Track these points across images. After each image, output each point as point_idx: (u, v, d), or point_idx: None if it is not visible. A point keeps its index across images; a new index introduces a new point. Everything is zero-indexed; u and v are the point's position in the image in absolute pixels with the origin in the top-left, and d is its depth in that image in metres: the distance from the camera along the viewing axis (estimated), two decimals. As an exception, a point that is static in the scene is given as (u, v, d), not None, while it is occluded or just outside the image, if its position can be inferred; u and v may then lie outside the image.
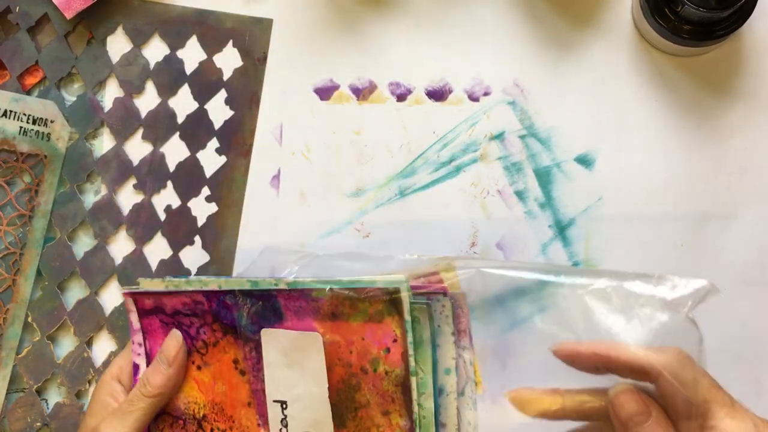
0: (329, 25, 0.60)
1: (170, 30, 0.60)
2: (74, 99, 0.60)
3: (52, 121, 0.59)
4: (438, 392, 0.48)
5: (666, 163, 0.58)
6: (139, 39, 0.60)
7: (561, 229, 0.58)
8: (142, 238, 0.59)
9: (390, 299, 0.46)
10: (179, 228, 0.59)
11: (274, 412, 0.49)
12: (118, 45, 0.60)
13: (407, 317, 0.46)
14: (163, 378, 0.50)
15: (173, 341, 0.50)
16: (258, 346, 0.49)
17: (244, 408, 0.50)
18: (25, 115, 0.59)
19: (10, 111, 0.59)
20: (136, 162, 0.60)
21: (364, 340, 0.47)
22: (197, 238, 0.59)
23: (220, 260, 0.59)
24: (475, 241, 0.59)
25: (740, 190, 0.58)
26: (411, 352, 0.46)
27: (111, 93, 0.60)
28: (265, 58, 0.60)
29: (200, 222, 0.59)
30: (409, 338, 0.46)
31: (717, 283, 0.58)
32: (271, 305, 0.48)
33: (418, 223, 0.59)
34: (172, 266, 0.59)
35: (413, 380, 0.47)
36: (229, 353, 0.50)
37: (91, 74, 0.60)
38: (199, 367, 0.50)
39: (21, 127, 0.59)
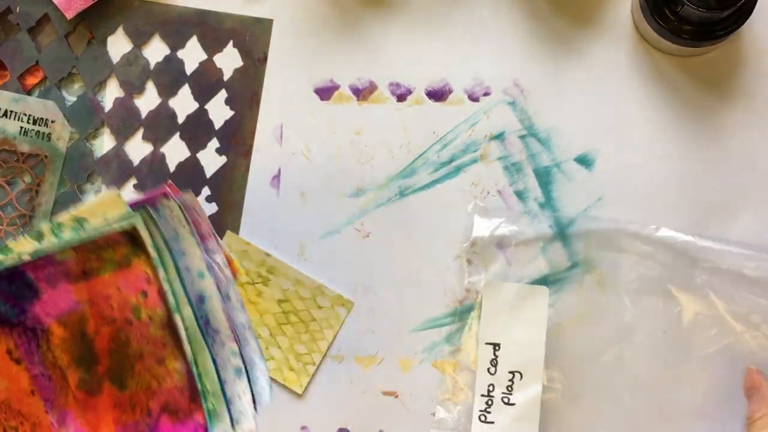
0: (329, 26, 0.60)
1: (170, 30, 0.60)
2: (75, 99, 0.60)
3: (52, 122, 0.59)
4: (199, 300, 0.45)
5: (666, 163, 0.58)
6: (139, 39, 0.60)
7: (561, 229, 0.58)
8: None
9: (130, 238, 0.43)
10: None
11: (485, 352, 0.56)
12: (118, 45, 0.60)
13: (153, 252, 0.43)
14: None
15: None
16: (26, 330, 0.46)
17: (29, 398, 0.47)
18: (25, 115, 0.59)
19: (11, 111, 0.59)
20: (136, 162, 0.60)
21: (120, 290, 0.45)
22: (197, 238, 0.59)
23: (220, 260, 0.59)
24: (475, 241, 0.59)
25: (740, 190, 0.58)
26: (167, 287, 0.44)
27: (111, 93, 0.60)
28: (265, 59, 0.60)
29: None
30: (162, 274, 0.43)
31: (717, 283, 0.58)
32: (23, 282, 0.45)
33: (418, 223, 0.59)
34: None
35: (177, 317, 0.44)
36: (1, 345, 0.47)
37: (91, 74, 0.60)
38: None
39: (21, 128, 0.59)
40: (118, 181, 0.60)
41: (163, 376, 0.45)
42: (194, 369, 0.44)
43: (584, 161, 0.58)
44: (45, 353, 0.46)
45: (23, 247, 0.44)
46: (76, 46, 0.60)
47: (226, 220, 0.59)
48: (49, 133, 0.59)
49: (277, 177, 0.59)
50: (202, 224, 0.46)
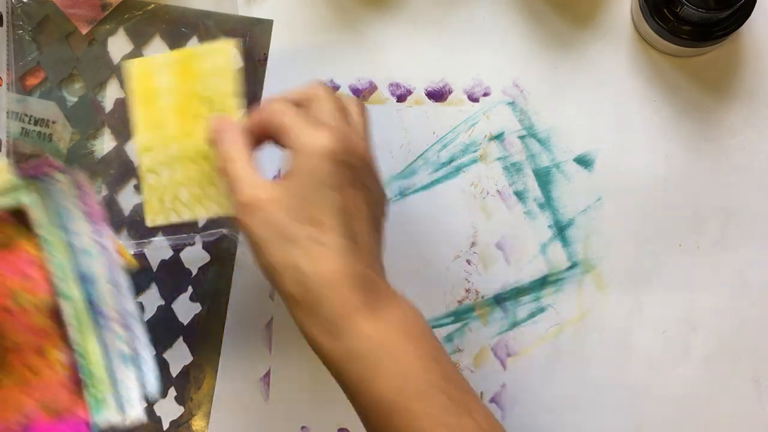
0: (329, 26, 0.60)
1: (171, 31, 0.60)
2: (75, 100, 0.60)
3: (53, 122, 0.60)
4: (88, 281, 0.43)
5: (665, 163, 0.58)
6: (140, 40, 0.60)
7: (560, 229, 0.58)
8: (142, 238, 0.59)
9: (16, 215, 0.40)
10: (179, 229, 0.59)
11: None
12: (119, 46, 0.60)
13: (41, 232, 0.40)
14: None
15: None
16: None
17: None
18: (26, 115, 0.59)
19: (12, 112, 0.59)
20: (137, 162, 0.60)
21: None
22: (198, 238, 0.59)
23: (221, 258, 0.59)
24: (475, 241, 0.59)
25: (740, 190, 0.58)
26: (54, 270, 0.41)
27: (112, 94, 0.60)
28: (265, 59, 0.60)
29: (200, 222, 0.59)
30: (49, 255, 0.41)
31: (716, 284, 0.58)
32: None
33: (418, 224, 0.59)
34: (173, 265, 0.59)
35: (63, 301, 0.41)
36: None
37: (92, 75, 0.60)
38: None
39: (23, 128, 0.59)
40: (119, 181, 0.60)
41: (41, 369, 0.42)
42: (80, 356, 0.42)
43: (584, 161, 0.59)
44: None
45: None
46: (76, 47, 0.60)
47: (227, 219, 0.59)
48: (50, 134, 0.60)
49: (277, 177, 0.59)
50: (90, 204, 0.44)
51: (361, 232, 0.45)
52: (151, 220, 0.51)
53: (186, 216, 0.51)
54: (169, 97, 0.51)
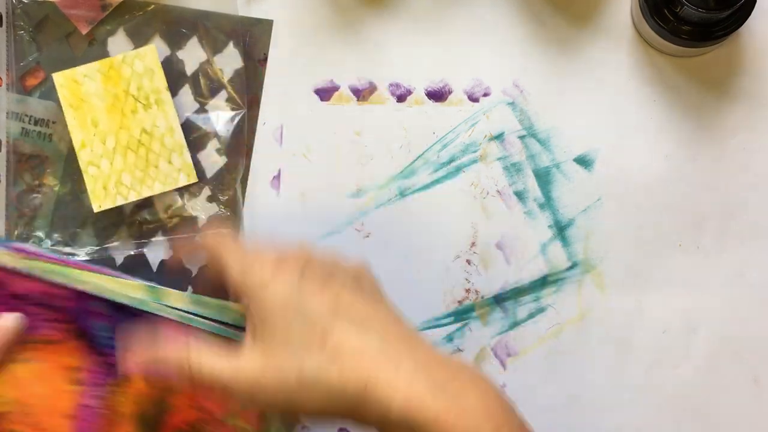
0: (329, 26, 0.60)
1: (171, 31, 0.60)
2: (75, 100, 0.60)
3: (53, 122, 0.60)
4: None
5: (665, 163, 0.58)
6: (140, 40, 0.60)
7: (560, 229, 0.58)
8: (142, 238, 0.59)
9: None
10: (179, 229, 0.59)
11: None
12: (119, 46, 0.60)
13: None
14: None
15: (8, 326, 0.47)
16: (112, 366, 0.46)
17: (61, 419, 0.46)
18: (26, 116, 0.59)
19: (12, 112, 0.59)
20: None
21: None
22: (198, 239, 0.59)
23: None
24: (475, 241, 0.59)
25: (740, 190, 0.58)
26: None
27: (112, 94, 0.60)
28: (265, 59, 0.60)
29: (200, 223, 0.59)
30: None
31: (716, 284, 0.58)
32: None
33: (418, 224, 0.59)
34: (173, 265, 0.59)
35: None
36: (68, 358, 0.47)
37: (92, 75, 0.60)
38: (25, 360, 0.47)
39: (23, 128, 0.59)
40: (119, 182, 0.60)
41: None
42: None
43: (584, 162, 0.59)
44: (113, 392, 0.46)
45: (176, 301, 0.47)
46: (76, 47, 0.60)
47: (227, 219, 0.59)
48: (50, 134, 0.60)
49: (277, 177, 0.59)
50: None
51: (369, 317, 0.43)
52: (98, 205, 0.58)
53: (132, 197, 0.58)
54: (99, 100, 0.58)
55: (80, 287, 0.47)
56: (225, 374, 0.42)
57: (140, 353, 0.44)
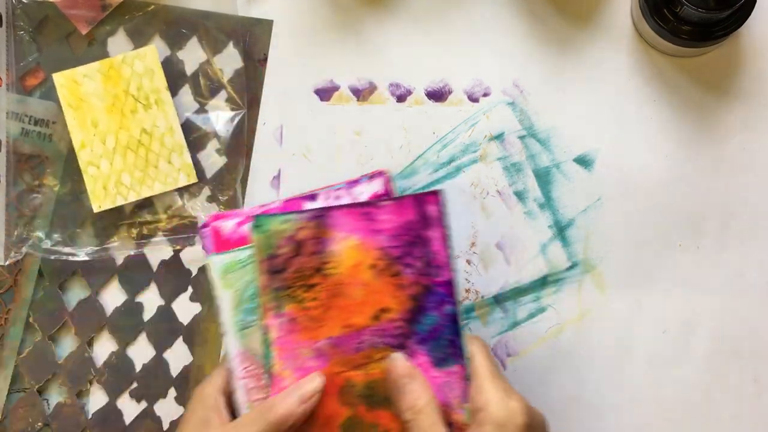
0: (329, 26, 0.60)
1: (170, 31, 0.60)
2: (75, 100, 0.60)
3: (53, 122, 0.60)
4: None
5: (665, 163, 0.58)
6: (139, 40, 0.60)
7: (560, 229, 0.58)
8: (143, 238, 0.59)
9: None
10: (179, 230, 0.59)
11: None
12: (119, 46, 0.60)
13: None
14: (288, 413, 0.47)
15: (313, 384, 0.49)
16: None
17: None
18: (26, 116, 0.59)
19: (12, 112, 0.59)
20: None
21: None
22: (198, 238, 0.59)
23: (221, 260, 0.59)
24: (475, 241, 0.59)
25: (739, 190, 0.58)
26: None
27: (112, 94, 0.60)
28: (265, 59, 0.60)
29: (201, 223, 0.59)
30: None
31: (716, 284, 0.58)
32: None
33: (418, 224, 0.59)
34: (173, 265, 0.60)
35: None
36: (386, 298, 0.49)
37: (92, 75, 0.60)
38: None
39: (23, 128, 0.59)
40: (119, 182, 0.60)
41: None
42: None
43: (584, 161, 0.59)
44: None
45: None
46: (76, 47, 0.60)
47: (227, 220, 0.59)
48: (50, 134, 0.60)
49: (277, 177, 0.59)
50: None
51: None
52: (98, 206, 0.58)
53: (132, 197, 0.58)
54: (99, 100, 0.58)
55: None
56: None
57: None
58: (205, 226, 0.51)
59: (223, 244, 0.51)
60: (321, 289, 0.49)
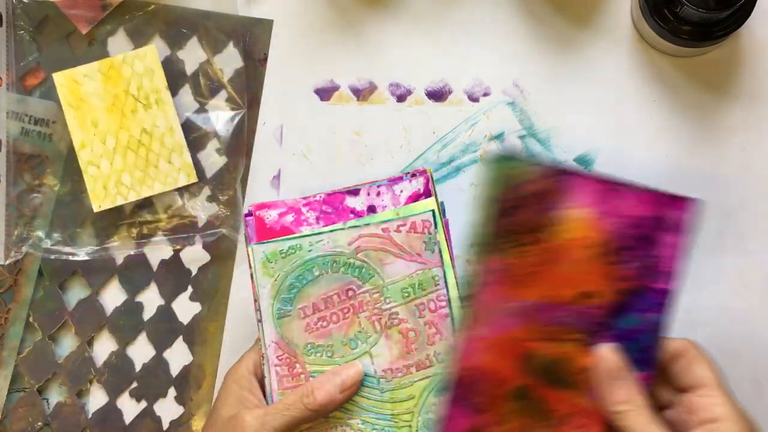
0: (329, 26, 0.60)
1: (171, 31, 0.60)
2: (75, 100, 0.60)
3: (53, 122, 0.60)
4: None
5: (666, 163, 0.58)
6: (139, 40, 0.60)
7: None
8: (143, 238, 0.59)
9: None
10: (179, 230, 0.59)
11: None
12: (119, 46, 0.60)
13: None
14: (329, 400, 0.49)
15: (354, 373, 0.50)
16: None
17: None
18: (26, 115, 0.59)
19: (12, 112, 0.59)
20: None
21: None
22: (198, 238, 0.59)
23: (221, 258, 0.59)
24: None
25: (740, 190, 0.58)
26: None
27: (112, 94, 0.60)
28: (265, 59, 0.60)
29: (201, 223, 0.59)
30: None
31: (717, 284, 0.58)
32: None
33: (417, 224, 0.59)
34: (173, 265, 0.60)
35: None
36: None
37: (92, 75, 0.60)
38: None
39: (23, 128, 0.59)
40: (119, 182, 0.60)
41: None
42: None
43: (584, 161, 0.59)
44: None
45: None
46: (76, 47, 0.60)
47: (226, 219, 0.59)
48: (50, 134, 0.60)
49: (277, 177, 0.59)
50: None
51: None
52: (98, 205, 0.58)
53: (132, 197, 0.58)
54: (99, 100, 0.58)
55: None
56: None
57: None
58: (249, 214, 0.53)
59: (266, 233, 0.52)
60: (534, 249, 0.47)
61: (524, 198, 0.47)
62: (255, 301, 0.52)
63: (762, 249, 0.58)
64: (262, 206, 0.53)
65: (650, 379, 0.47)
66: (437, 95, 0.60)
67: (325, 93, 0.60)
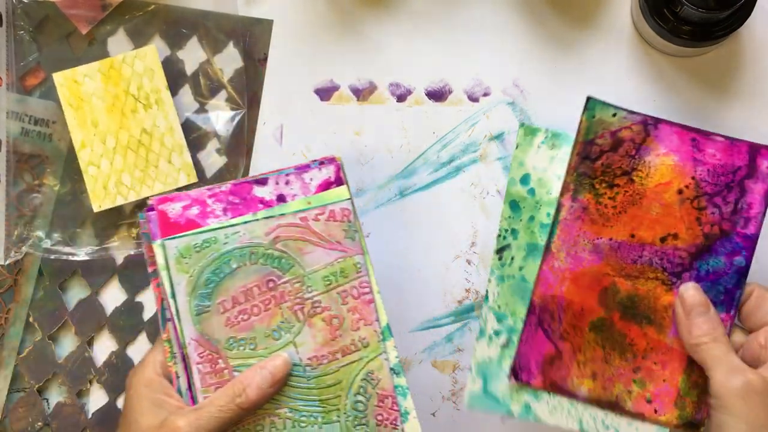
0: (329, 26, 0.60)
1: (171, 31, 0.60)
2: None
3: (53, 122, 0.60)
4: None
5: (665, 164, 0.58)
6: (139, 40, 0.60)
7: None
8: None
9: None
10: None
11: None
12: (119, 46, 0.60)
13: None
14: (260, 397, 0.48)
15: (281, 364, 0.49)
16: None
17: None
18: (26, 115, 0.59)
19: (12, 112, 0.59)
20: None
21: None
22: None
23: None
24: (475, 241, 0.59)
25: (740, 190, 0.58)
26: None
27: (112, 94, 0.60)
28: (265, 59, 0.60)
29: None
30: None
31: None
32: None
33: (417, 224, 0.59)
34: (173, 266, 0.60)
35: None
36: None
37: (92, 75, 0.60)
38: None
39: (23, 128, 0.59)
40: (119, 182, 0.60)
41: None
42: None
43: (584, 161, 0.58)
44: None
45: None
46: (76, 47, 0.60)
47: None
48: (50, 134, 0.60)
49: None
50: None
51: None
52: (98, 205, 0.58)
53: (132, 197, 0.58)
54: (99, 100, 0.58)
55: None
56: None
57: None
58: (150, 209, 0.51)
59: (170, 227, 0.50)
60: (622, 191, 0.51)
61: (616, 143, 0.51)
62: (161, 299, 0.50)
63: (762, 249, 0.58)
64: (165, 200, 0.51)
65: (730, 320, 0.50)
66: (437, 95, 0.60)
67: (325, 93, 0.60)
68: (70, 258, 0.59)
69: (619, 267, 0.51)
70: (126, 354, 0.60)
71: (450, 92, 0.59)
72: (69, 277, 0.60)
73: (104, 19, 0.60)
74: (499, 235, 0.52)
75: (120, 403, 0.59)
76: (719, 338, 0.48)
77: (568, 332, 0.50)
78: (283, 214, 0.51)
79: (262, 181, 0.52)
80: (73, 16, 0.60)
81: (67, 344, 0.60)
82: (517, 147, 0.53)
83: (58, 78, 0.58)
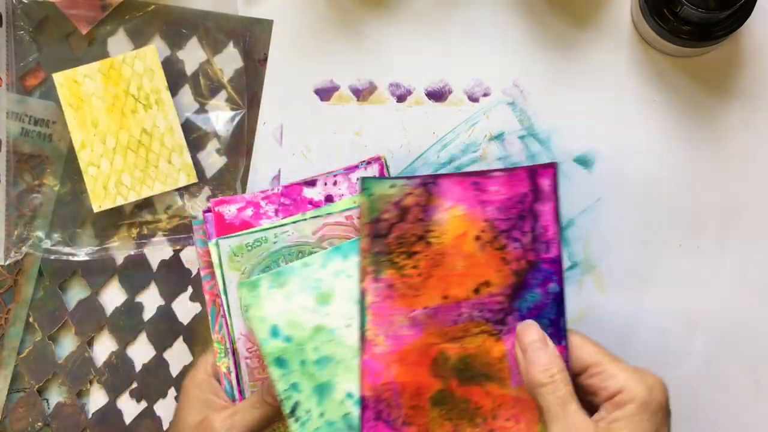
0: (329, 26, 0.60)
1: (171, 31, 0.60)
2: (75, 100, 0.60)
3: (53, 122, 0.60)
4: None
5: (665, 164, 0.58)
6: (139, 40, 0.60)
7: (561, 229, 0.58)
8: (143, 238, 0.59)
9: None
10: (179, 230, 0.59)
11: None
12: (119, 46, 0.60)
13: None
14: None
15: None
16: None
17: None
18: (26, 116, 0.59)
19: (12, 112, 0.59)
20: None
21: None
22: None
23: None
24: (475, 242, 0.59)
25: (740, 190, 0.58)
26: None
27: (112, 94, 0.60)
28: (265, 59, 0.60)
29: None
30: None
31: (716, 284, 0.58)
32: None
33: (418, 224, 0.59)
34: (173, 265, 0.60)
35: None
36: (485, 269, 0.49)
37: (92, 75, 0.60)
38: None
39: (23, 128, 0.59)
40: (119, 182, 0.60)
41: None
42: None
43: (584, 161, 0.59)
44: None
45: None
46: (76, 47, 0.60)
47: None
48: (50, 134, 0.60)
49: (277, 177, 0.59)
50: None
51: None
52: (98, 205, 0.58)
53: (132, 197, 0.58)
54: (99, 100, 0.58)
55: None
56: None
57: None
58: (208, 211, 0.53)
59: (226, 228, 0.53)
60: (422, 257, 0.49)
61: (402, 213, 0.49)
62: (212, 301, 0.52)
63: (762, 249, 0.58)
64: (221, 202, 0.53)
65: (565, 350, 0.48)
66: (437, 95, 0.60)
67: (325, 93, 0.60)
68: (70, 258, 0.59)
69: (442, 333, 0.48)
70: (126, 354, 0.60)
71: (450, 92, 0.59)
72: (69, 278, 0.60)
73: (104, 19, 0.60)
74: (283, 399, 0.48)
75: (119, 403, 0.59)
76: (557, 380, 0.45)
77: (410, 416, 0.48)
78: (330, 213, 0.52)
79: (311, 183, 0.54)
80: (73, 16, 0.60)
81: (67, 344, 0.60)
82: (247, 310, 0.49)
83: (58, 78, 0.58)
